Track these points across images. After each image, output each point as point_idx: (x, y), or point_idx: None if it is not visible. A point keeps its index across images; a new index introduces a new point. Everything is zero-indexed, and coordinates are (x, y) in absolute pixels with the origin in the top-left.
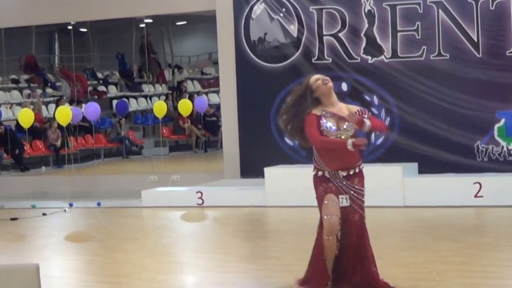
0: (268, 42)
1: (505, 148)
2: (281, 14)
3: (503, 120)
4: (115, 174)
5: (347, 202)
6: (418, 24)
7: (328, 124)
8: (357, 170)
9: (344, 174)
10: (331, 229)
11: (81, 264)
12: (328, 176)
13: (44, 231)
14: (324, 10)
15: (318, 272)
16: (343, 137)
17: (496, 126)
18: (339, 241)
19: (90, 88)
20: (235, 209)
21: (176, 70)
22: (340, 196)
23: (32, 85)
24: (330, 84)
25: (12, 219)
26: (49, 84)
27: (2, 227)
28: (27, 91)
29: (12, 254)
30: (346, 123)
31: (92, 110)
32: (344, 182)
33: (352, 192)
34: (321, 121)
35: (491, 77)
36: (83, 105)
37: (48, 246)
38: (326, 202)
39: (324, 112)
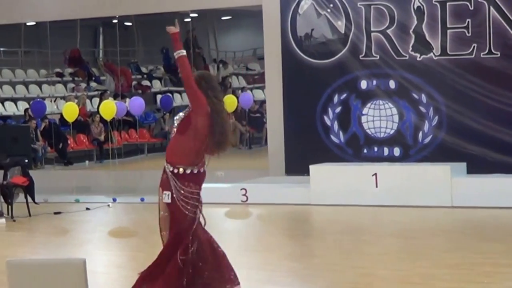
0: (315, 38)
1: None
2: (329, 10)
3: None
4: (158, 169)
5: (168, 198)
6: (468, 21)
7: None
8: (188, 171)
9: (170, 169)
10: (160, 224)
11: (124, 259)
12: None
13: (88, 226)
14: (372, 6)
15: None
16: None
17: None
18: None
19: (134, 83)
20: (279, 206)
21: (221, 65)
22: (164, 192)
23: (76, 78)
24: None
25: (55, 213)
26: (93, 78)
27: (46, 221)
28: (71, 85)
29: (55, 248)
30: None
31: (136, 104)
32: (172, 176)
33: (175, 189)
34: None
35: None
36: (127, 99)
37: (91, 241)
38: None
39: None
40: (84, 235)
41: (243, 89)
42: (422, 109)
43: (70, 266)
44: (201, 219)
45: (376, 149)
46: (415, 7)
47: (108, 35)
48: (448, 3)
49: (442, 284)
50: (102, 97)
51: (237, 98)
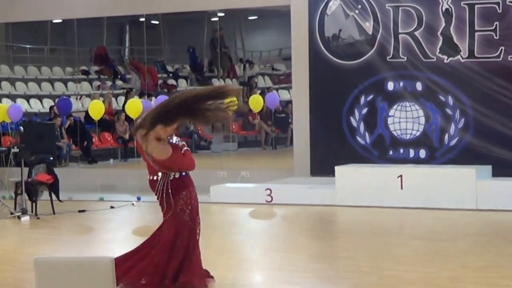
0: (342, 39)
1: None
2: (357, 11)
3: None
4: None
5: None
6: (496, 24)
7: None
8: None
9: None
10: None
11: None
12: None
13: (112, 224)
14: (400, 8)
15: None
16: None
17: None
18: None
19: (160, 81)
20: (304, 207)
21: (247, 65)
22: None
23: (102, 76)
24: None
25: (80, 211)
26: (119, 76)
27: (70, 219)
28: (97, 83)
29: (80, 246)
30: None
31: None
32: None
33: None
34: None
35: None
36: (153, 98)
37: (115, 239)
38: None
39: None
40: (108, 234)
41: (268, 89)
42: (449, 111)
43: (98, 264)
44: None
45: (402, 150)
46: (443, 9)
47: (134, 33)
48: (476, 6)
49: (468, 287)
50: (127, 95)
51: (263, 98)
